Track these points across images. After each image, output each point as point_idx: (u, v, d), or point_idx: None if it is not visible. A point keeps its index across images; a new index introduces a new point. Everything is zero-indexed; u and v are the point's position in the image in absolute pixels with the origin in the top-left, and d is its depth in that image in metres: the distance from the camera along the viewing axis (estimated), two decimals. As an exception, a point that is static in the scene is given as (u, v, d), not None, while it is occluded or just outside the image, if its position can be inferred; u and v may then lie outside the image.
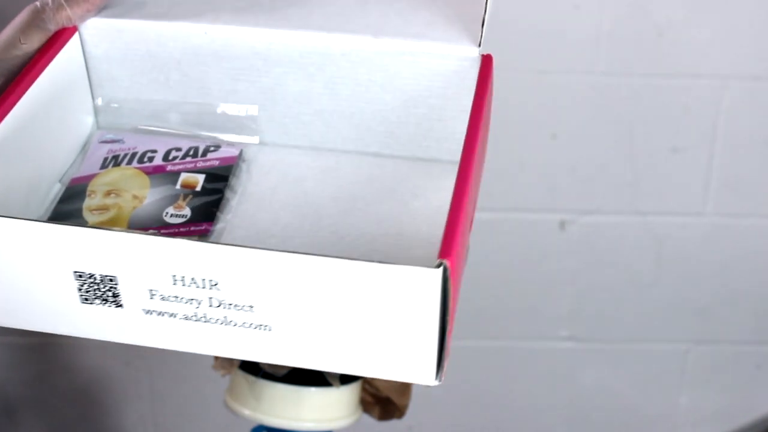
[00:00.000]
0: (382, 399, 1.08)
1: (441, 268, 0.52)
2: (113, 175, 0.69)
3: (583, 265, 1.39)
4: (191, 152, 0.70)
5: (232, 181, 0.69)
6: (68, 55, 0.69)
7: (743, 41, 1.25)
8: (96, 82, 0.72)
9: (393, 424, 1.16)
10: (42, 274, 0.57)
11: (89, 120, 0.74)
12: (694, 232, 1.37)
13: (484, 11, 0.67)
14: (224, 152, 0.71)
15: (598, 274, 1.40)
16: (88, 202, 0.66)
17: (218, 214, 0.66)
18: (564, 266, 1.39)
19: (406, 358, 0.56)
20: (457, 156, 0.62)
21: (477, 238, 1.20)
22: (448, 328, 0.55)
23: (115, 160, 0.69)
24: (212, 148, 0.71)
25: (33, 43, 0.66)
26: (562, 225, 1.36)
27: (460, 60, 0.68)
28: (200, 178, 0.69)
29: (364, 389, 1.07)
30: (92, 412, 1.51)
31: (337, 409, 1.03)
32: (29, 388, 1.48)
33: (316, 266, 0.53)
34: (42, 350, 1.45)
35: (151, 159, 0.70)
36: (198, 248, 0.54)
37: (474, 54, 0.68)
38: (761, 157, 1.32)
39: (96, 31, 0.70)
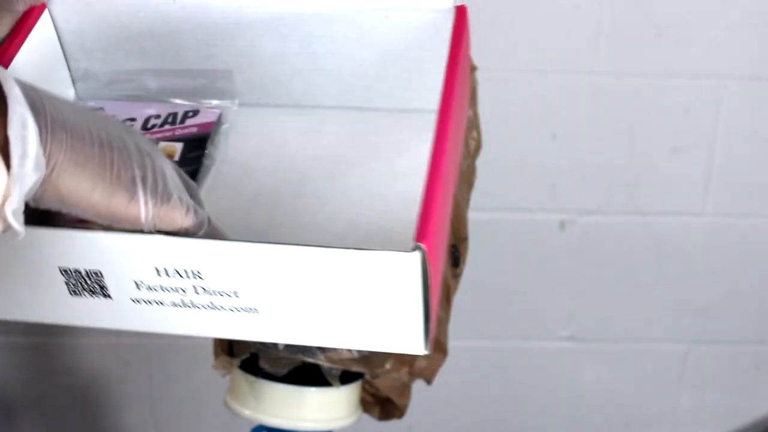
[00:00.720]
0: (382, 399, 1.08)
1: (418, 252, 0.53)
2: None
3: (583, 265, 1.39)
4: (170, 119, 0.69)
5: (210, 148, 0.67)
6: (41, 33, 0.69)
7: (743, 41, 1.25)
8: (71, 55, 0.73)
9: (393, 424, 1.16)
10: (29, 271, 0.57)
11: (70, 93, 0.74)
12: (694, 232, 1.37)
13: None
14: (203, 117, 0.69)
15: (598, 274, 1.40)
16: None
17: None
18: (564, 266, 1.39)
19: (395, 332, 0.57)
20: (436, 105, 0.63)
21: (477, 238, 1.20)
22: (432, 300, 0.56)
23: None
24: (191, 114, 0.70)
25: (3, 27, 0.66)
26: (562, 225, 1.36)
27: (435, 12, 0.69)
28: (178, 147, 0.67)
29: (364, 389, 1.07)
30: (92, 412, 1.51)
31: (337, 409, 1.02)
32: (29, 388, 1.48)
33: (296, 256, 0.54)
34: (42, 350, 1.45)
35: None
36: (178, 244, 0.54)
37: (448, 5, 0.69)
38: (761, 157, 1.32)
39: (65, 6, 0.71)
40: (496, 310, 1.42)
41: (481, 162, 1.08)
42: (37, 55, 0.69)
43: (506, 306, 1.42)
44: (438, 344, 1.07)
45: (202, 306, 0.57)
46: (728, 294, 1.42)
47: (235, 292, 0.56)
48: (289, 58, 0.71)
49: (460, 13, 0.69)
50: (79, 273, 0.56)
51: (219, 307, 0.57)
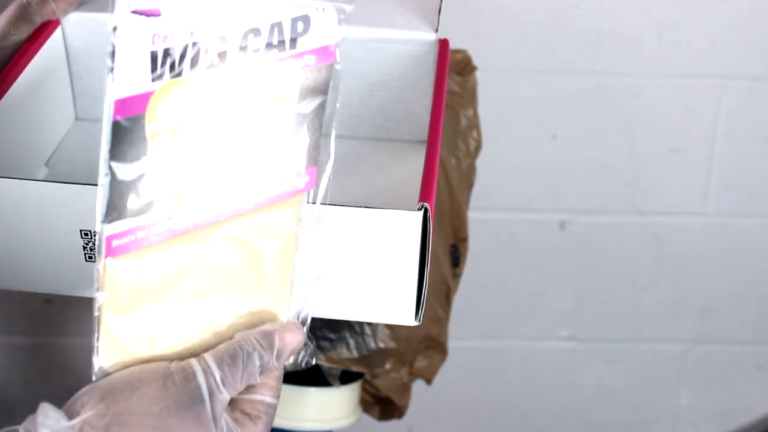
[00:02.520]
0: (382, 399, 1.08)
1: (422, 211, 0.55)
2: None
3: (583, 265, 1.39)
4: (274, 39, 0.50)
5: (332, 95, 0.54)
6: (51, 47, 0.71)
7: (743, 41, 1.25)
8: (76, 73, 0.74)
9: (393, 424, 1.16)
10: (48, 235, 0.57)
11: (70, 109, 0.75)
12: (694, 232, 1.37)
13: (440, 2, 0.71)
14: (317, 36, 0.52)
15: (598, 274, 1.40)
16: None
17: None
18: (564, 266, 1.39)
19: (388, 300, 0.58)
20: (418, 135, 0.67)
21: (477, 238, 1.20)
22: (427, 270, 0.57)
23: (171, 67, 0.48)
24: (301, 27, 0.51)
25: (21, 33, 0.70)
26: (562, 225, 1.36)
27: (419, 45, 0.71)
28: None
29: (364, 389, 1.07)
30: (92, 412, 1.50)
31: (337, 408, 1.03)
32: (29, 388, 1.48)
33: (306, 211, 0.54)
34: (42, 350, 1.45)
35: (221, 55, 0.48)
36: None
37: (431, 38, 0.71)
38: (761, 157, 1.32)
39: (77, 25, 0.72)
40: (496, 310, 1.42)
41: (481, 162, 1.08)
42: (45, 68, 0.70)
43: (506, 306, 1.42)
44: (438, 344, 1.07)
45: None
46: (728, 294, 1.42)
47: None
48: None
49: (443, 46, 0.71)
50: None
51: None
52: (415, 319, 0.59)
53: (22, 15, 0.70)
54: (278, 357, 0.54)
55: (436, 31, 0.71)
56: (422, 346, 1.06)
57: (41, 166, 0.71)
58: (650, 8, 1.22)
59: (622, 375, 1.48)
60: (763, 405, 1.51)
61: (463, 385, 1.47)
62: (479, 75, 1.07)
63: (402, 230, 0.55)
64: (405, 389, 1.08)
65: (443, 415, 1.50)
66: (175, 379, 0.51)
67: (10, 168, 0.66)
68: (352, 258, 0.57)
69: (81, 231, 0.57)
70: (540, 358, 1.46)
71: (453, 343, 1.11)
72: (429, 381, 1.09)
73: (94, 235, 0.55)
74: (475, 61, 1.06)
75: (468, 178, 1.06)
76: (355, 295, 0.58)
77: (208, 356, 0.52)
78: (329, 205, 0.54)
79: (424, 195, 0.56)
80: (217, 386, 0.51)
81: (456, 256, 1.06)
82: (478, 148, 1.06)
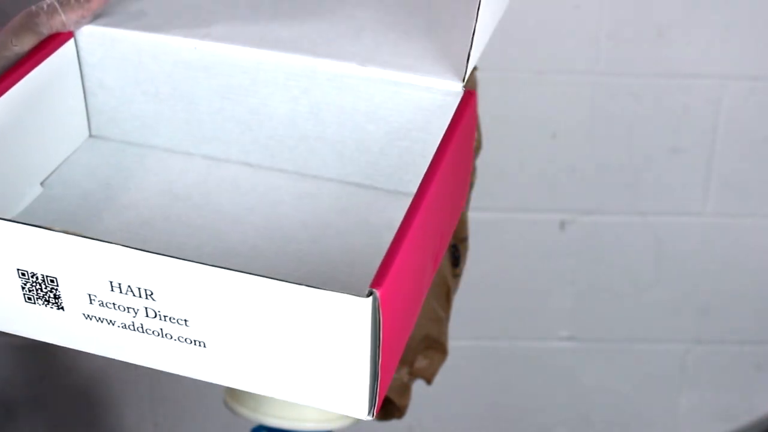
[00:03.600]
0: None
1: (371, 298, 0.50)
2: None
3: (583, 265, 1.39)
4: None
5: None
6: (61, 60, 0.69)
7: (743, 41, 1.25)
8: (89, 89, 0.72)
9: (393, 424, 1.16)
10: None
11: (82, 126, 0.73)
12: (694, 232, 1.37)
13: (469, 48, 0.67)
14: None
15: (598, 274, 1.40)
16: None
17: None
18: (564, 266, 1.39)
19: (339, 388, 0.54)
20: None
21: (477, 238, 1.20)
22: (381, 360, 0.53)
23: None
24: None
25: (24, 45, 0.66)
26: (562, 225, 1.36)
27: (444, 95, 0.67)
28: None
29: (364, 389, 1.07)
30: (92, 412, 1.51)
31: (337, 409, 1.02)
32: (29, 388, 1.48)
33: (248, 285, 0.52)
34: (42, 350, 1.45)
35: None
36: (134, 256, 0.53)
37: (457, 89, 0.67)
38: (761, 157, 1.32)
39: (92, 39, 0.70)
40: (496, 310, 1.42)
41: (481, 162, 1.08)
42: (53, 79, 0.68)
43: (506, 306, 1.42)
44: (438, 344, 1.07)
45: (152, 332, 0.56)
46: (728, 294, 1.42)
47: (185, 320, 0.55)
48: (298, 122, 0.71)
49: (467, 97, 0.67)
50: (36, 277, 0.56)
51: (168, 335, 0.56)
52: (368, 413, 0.55)
53: (28, 25, 0.67)
54: None
55: (464, 80, 0.67)
56: (422, 346, 1.06)
57: (35, 185, 0.69)
58: (650, 8, 1.22)
59: (622, 375, 1.48)
60: (763, 405, 1.51)
61: (463, 385, 1.47)
62: (479, 75, 1.07)
63: (350, 316, 0.51)
64: (405, 389, 1.08)
65: (443, 415, 1.50)
66: None
67: (2, 185, 0.64)
68: (300, 337, 0.53)
69: (18, 269, 0.56)
70: (540, 358, 1.46)
71: (453, 343, 1.11)
72: (429, 381, 1.09)
73: (32, 276, 0.56)
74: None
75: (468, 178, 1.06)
76: (306, 379, 0.55)
77: None
78: (281, 281, 0.51)
79: (379, 278, 0.51)
80: None
81: (456, 256, 1.06)
82: (478, 148, 1.06)
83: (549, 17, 1.23)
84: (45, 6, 0.68)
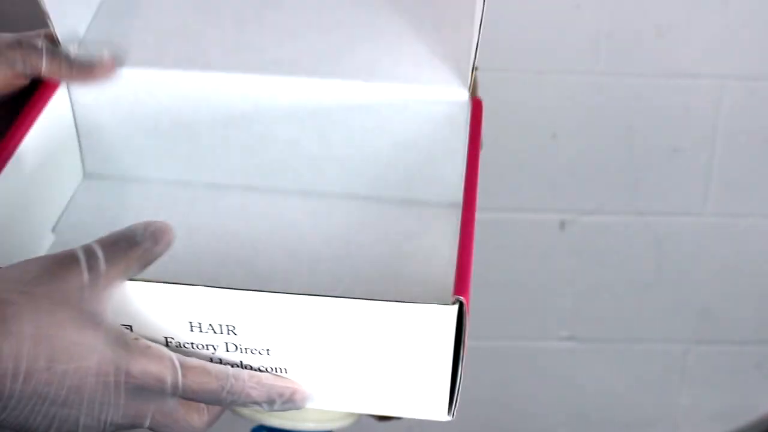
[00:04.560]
0: (382, 399, 1.08)
1: (457, 306, 0.53)
2: None
3: (583, 265, 1.39)
4: None
5: None
6: (56, 106, 0.68)
7: (743, 41, 1.24)
8: (83, 130, 0.71)
9: (393, 424, 1.16)
10: None
11: (77, 167, 0.73)
12: (694, 232, 1.37)
13: (473, 56, 0.67)
14: None
15: (598, 274, 1.40)
16: None
17: None
18: (564, 266, 1.39)
19: (420, 395, 0.56)
20: (447, 198, 0.65)
21: (477, 238, 1.20)
22: (462, 364, 0.55)
23: None
24: None
25: None
26: (562, 225, 1.36)
27: (450, 105, 0.68)
28: None
29: (364, 389, 1.07)
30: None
31: (337, 409, 1.02)
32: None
33: (332, 307, 0.53)
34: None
35: None
36: (217, 295, 0.53)
37: (464, 98, 0.68)
38: (761, 157, 1.32)
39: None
40: (496, 310, 1.42)
41: (481, 162, 1.08)
42: (50, 128, 0.67)
43: (506, 306, 1.42)
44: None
45: (231, 364, 0.56)
46: (728, 294, 1.42)
47: (267, 350, 0.55)
48: (304, 144, 0.70)
49: (476, 106, 0.68)
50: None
51: (248, 366, 0.56)
52: (448, 414, 0.57)
53: (3, 53, 0.63)
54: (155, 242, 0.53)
55: (469, 89, 0.68)
56: (422, 346, 1.05)
57: (48, 233, 0.68)
58: (650, 8, 1.22)
59: (622, 375, 1.48)
60: (763, 405, 1.51)
61: (463, 385, 1.47)
62: (479, 75, 1.06)
63: (434, 325, 0.53)
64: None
65: (443, 415, 1.50)
66: (57, 255, 0.51)
67: (17, 236, 0.63)
68: (381, 352, 0.54)
69: None
70: (540, 358, 1.46)
71: (453, 343, 1.11)
72: (429, 381, 1.09)
73: None
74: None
75: (468, 178, 1.06)
76: (385, 390, 0.56)
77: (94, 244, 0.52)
78: (357, 299, 0.52)
79: (459, 286, 0.54)
80: (96, 257, 0.51)
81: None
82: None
83: (549, 17, 1.22)
84: (31, 42, 0.64)
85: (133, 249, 0.52)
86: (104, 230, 0.54)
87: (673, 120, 1.29)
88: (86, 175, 0.73)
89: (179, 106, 0.70)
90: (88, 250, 0.52)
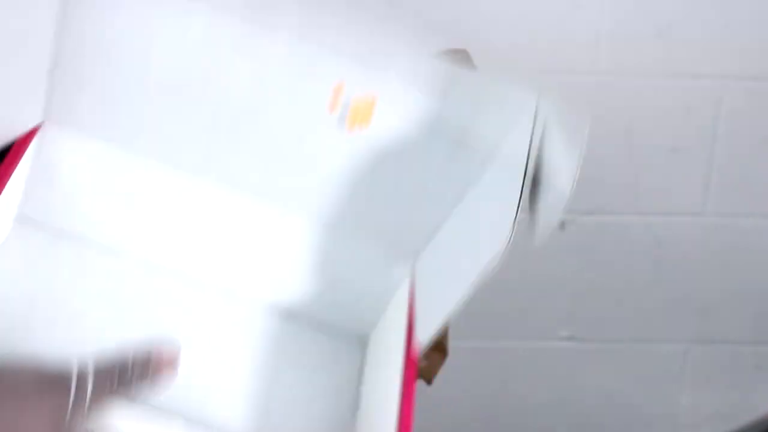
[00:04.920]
0: (382, 399, 1.08)
1: None
2: None
3: (583, 265, 1.39)
4: None
5: None
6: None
7: (743, 41, 1.24)
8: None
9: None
10: None
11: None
12: (694, 232, 1.37)
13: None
14: None
15: (598, 274, 1.40)
16: None
17: None
18: (564, 266, 1.39)
19: None
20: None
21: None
22: None
23: None
24: None
25: None
26: (562, 225, 1.36)
27: None
28: None
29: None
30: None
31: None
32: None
33: None
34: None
35: None
36: None
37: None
38: (761, 157, 1.32)
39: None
40: (496, 310, 1.42)
41: (481, 162, 1.08)
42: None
43: (506, 306, 1.42)
44: (438, 344, 1.07)
45: None
46: (728, 294, 1.42)
47: None
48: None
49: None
50: None
51: None
52: None
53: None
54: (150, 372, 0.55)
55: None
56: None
57: None
58: (650, 8, 1.22)
59: (622, 375, 1.48)
60: (763, 405, 1.51)
61: (463, 385, 1.47)
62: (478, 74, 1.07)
63: None
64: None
65: (443, 415, 1.50)
66: (50, 367, 0.53)
67: None
68: None
69: None
70: (540, 358, 1.46)
71: (453, 343, 1.11)
72: (429, 381, 1.09)
73: None
74: (476, 61, 1.06)
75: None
76: None
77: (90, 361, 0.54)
78: None
79: None
80: (87, 377, 0.53)
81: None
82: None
83: (549, 17, 1.22)
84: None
85: (123, 380, 0.54)
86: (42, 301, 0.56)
87: (673, 120, 1.29)
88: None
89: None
90: (81, 374, 0.53)
